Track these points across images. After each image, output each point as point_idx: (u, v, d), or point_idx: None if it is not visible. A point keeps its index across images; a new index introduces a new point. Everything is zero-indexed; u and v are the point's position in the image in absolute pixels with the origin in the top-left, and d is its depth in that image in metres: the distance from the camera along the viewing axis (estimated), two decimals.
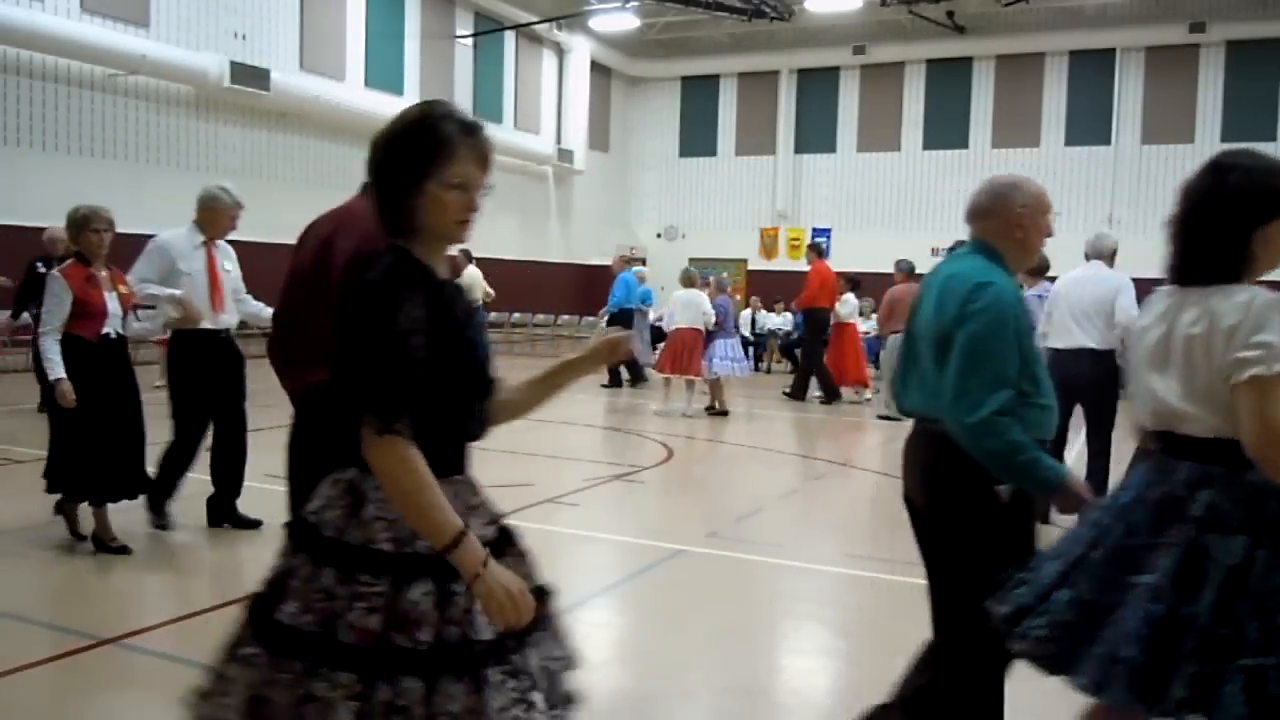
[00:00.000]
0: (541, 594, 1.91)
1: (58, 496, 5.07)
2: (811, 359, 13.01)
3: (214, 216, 5.43)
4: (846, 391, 12.94)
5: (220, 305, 5.41)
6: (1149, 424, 2.41)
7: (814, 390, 12.95)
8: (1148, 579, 2.18)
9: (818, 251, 13.40)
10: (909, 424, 2.85)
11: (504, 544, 1.93)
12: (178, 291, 5.23)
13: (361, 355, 1.74)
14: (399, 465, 1.73)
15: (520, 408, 2.12)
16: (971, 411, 2.46)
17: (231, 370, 5.48)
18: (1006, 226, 2.69)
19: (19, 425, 8.33)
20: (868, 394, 13.01)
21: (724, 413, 11.27)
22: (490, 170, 1.89)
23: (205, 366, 5.34)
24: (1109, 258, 6.40)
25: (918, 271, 9.57)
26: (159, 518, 5.38)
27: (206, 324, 5.30)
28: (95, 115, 13.99)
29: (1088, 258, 6.42)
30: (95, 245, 4.97)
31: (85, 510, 5.09)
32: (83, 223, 4.97)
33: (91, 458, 4.85)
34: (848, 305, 12.94)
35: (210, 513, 5.47)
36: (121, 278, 5.17)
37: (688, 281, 11.36)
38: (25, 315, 9.00)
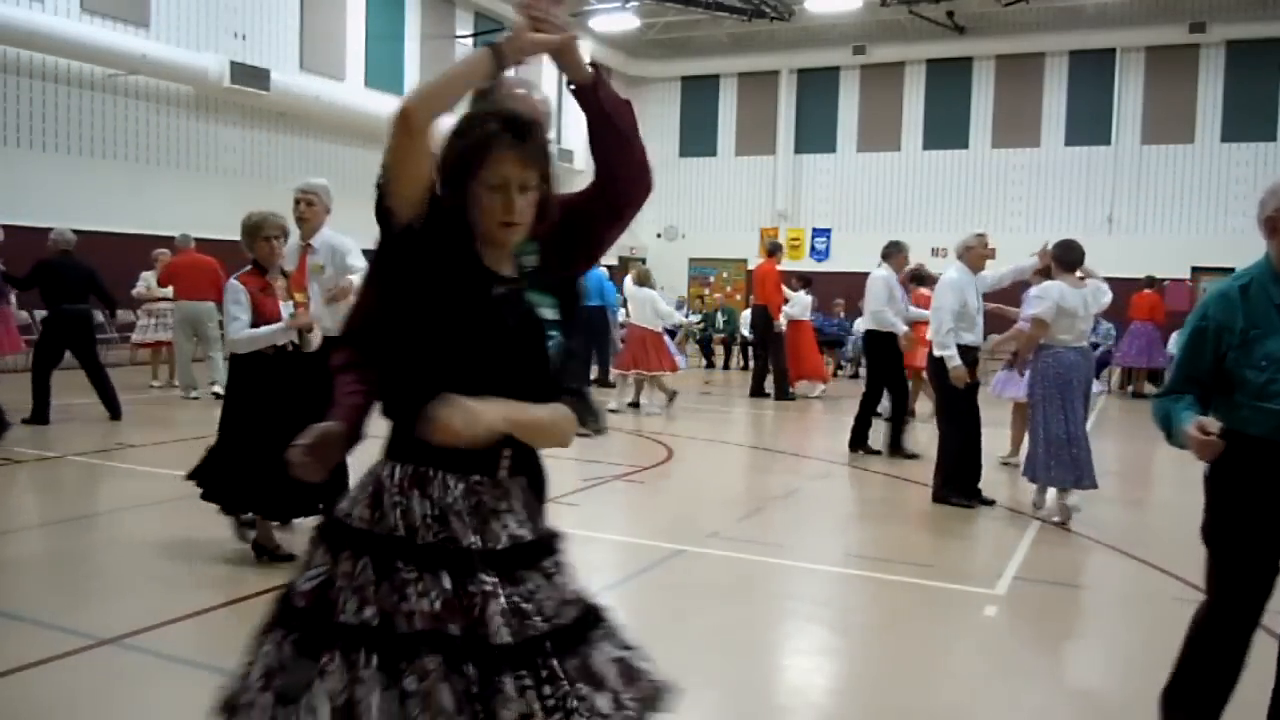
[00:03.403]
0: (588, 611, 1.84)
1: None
2: (763, 358, 13.14)
3: None
4: (803, 386, 13.18)
5: None
6: None
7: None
8: None
9: (769, 252, 13.35)
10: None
11: (541, 552, 1.83)
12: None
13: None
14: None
15: None
16: None
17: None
18: (1264, 229, 2.74)
19: (18, 426, 8.31)
20: (821, 388, 13.34)
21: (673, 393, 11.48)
22: (536, 170, 1.80)
23: None
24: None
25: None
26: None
27: None
28: (95, 115, 13.99)
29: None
30: (267, 253, 4.76)
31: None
32: (254, 230, 4.75)
33: (257, 471, 4.49)
34: (799, 304, 13.00)
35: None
36: (301, 285, 4.89)
37: (640, 278, 11.43)
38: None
